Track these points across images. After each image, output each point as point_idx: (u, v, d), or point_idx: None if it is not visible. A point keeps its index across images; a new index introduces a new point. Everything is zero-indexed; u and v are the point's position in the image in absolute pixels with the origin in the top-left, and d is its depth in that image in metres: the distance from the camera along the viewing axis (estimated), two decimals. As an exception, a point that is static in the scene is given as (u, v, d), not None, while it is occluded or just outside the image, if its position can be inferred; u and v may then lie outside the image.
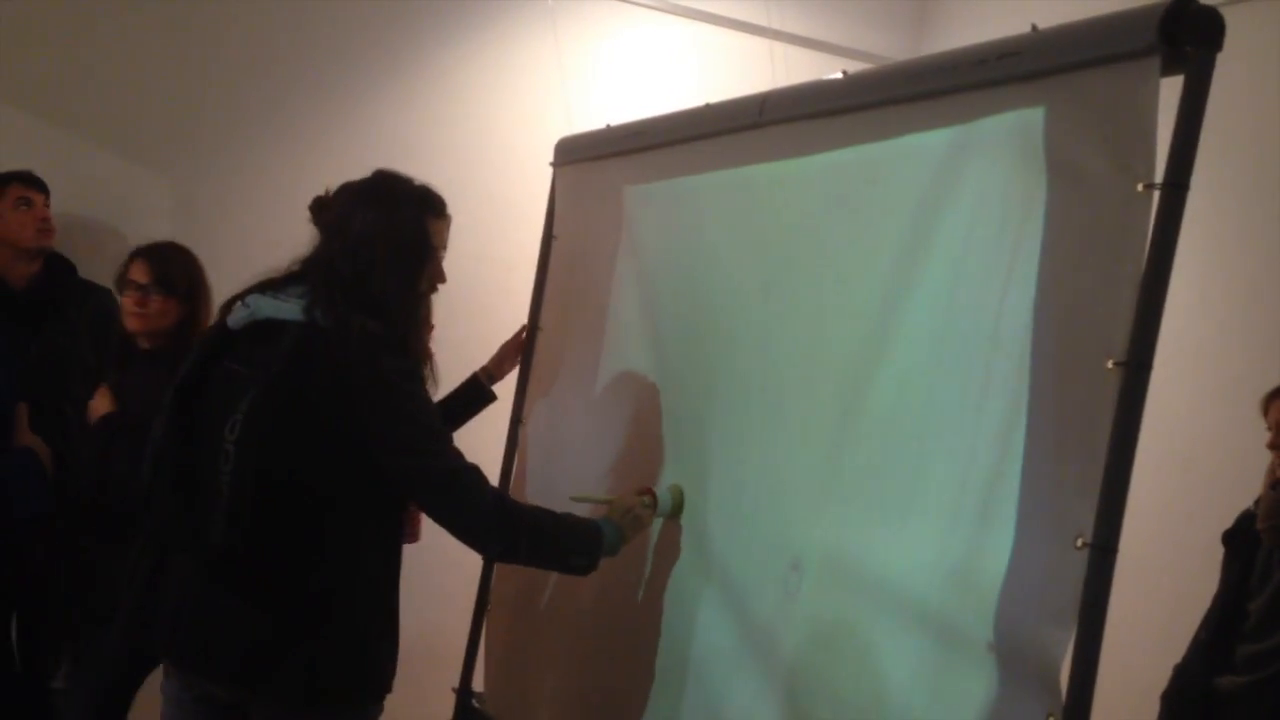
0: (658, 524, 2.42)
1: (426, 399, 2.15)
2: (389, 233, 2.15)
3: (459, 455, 2.12)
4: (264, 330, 2.11)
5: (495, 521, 2.10)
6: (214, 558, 2.07)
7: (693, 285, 2.46)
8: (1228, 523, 2.88)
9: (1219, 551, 2.90)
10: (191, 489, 2.11)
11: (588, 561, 2.21)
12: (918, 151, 1.89)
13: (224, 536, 2.05)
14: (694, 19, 4.35)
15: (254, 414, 2.06)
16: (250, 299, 2.15)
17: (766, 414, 2.20)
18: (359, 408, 2.02)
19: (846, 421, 1.99)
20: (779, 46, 4.24)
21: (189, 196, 3.74)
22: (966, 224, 1.78)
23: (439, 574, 3.43)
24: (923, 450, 1.82)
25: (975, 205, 1.77)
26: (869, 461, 1.94)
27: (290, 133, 3.83)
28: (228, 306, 2.20)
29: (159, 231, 3.71)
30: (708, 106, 2.49)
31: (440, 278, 2.28)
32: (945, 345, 1.80)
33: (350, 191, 2.22)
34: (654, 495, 2.36)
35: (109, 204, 3.68)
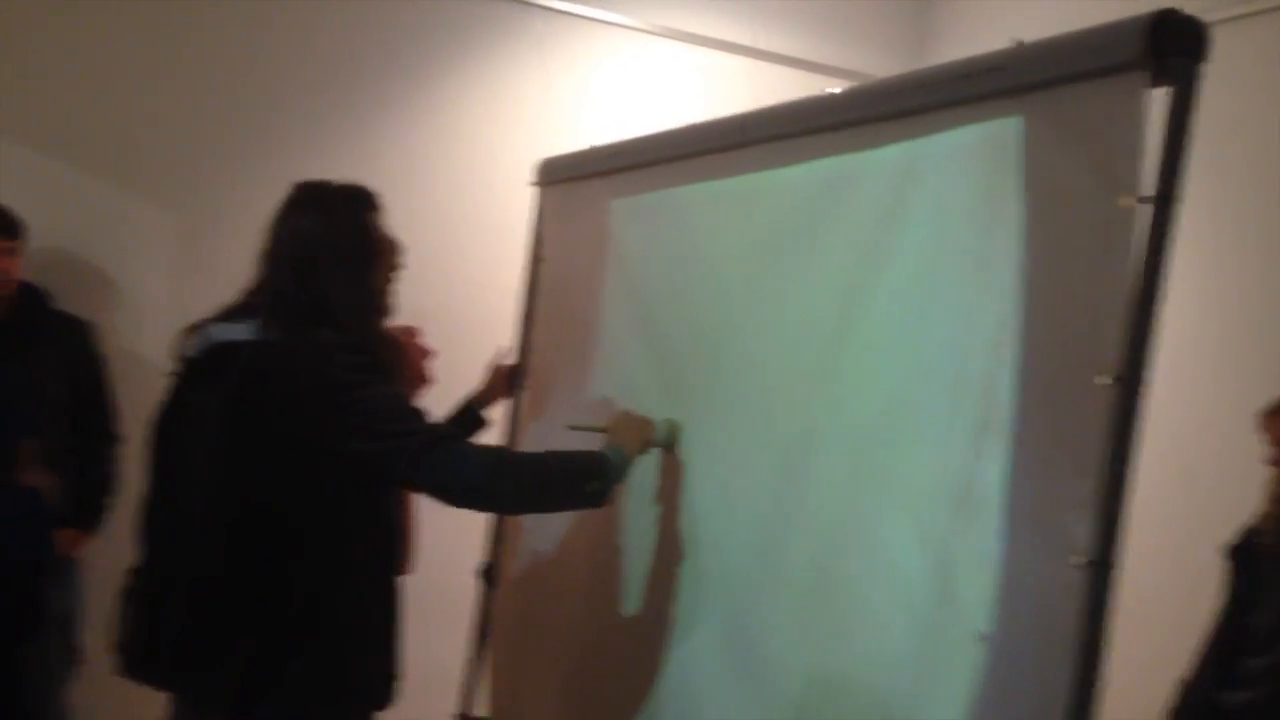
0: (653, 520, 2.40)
1: (389, 385, 2.09)
2: (329, 240, 2.13)
3: (434, 425, 2.08)
4: (222, 354, 2.09)
5: (491, 471, 2.05)
6: (199, 586, 2.07)
7: (681, 297, 2.46)
8: (1229, 536, 2.87)
9: (1222, 566, 2.88)
10: (174, 520, 2.10)
11: (601, 485, 2.14)
12: (891, 161, 1.89)
13: (205, 564, 2.05)
14: (680, 40, 4.37)
15: (217, 441, 2.06)
16: (206, 327, 2.15)
17: (758, 424, 2.19)
18: (320, 417, 2.00)
19: (827, 423, 2.00)
20: (769, 68, 4.26)
21: (190, 228, 3.75)
22: (937, 231, 1.78)
23: (436, 602, 3.42)
24: (899, 453, 1.82)
25: (945, 213, 1.77)
26: (850, 462, 1.93)
27: (289, 162, 3.81)
28: (184, 336, 2.19)
29: (161, 264, 3.74)
30: (691, 126, 2.49)
31: (395, 266, 2.25)
32: (916, 349, 1.81)
33: (280, 211, 2.20)
34: (649, 422, 2.33)
35: (109, 237, 3.69)
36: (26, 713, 2.45)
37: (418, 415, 2.08)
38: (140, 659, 2.15)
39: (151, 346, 3.64)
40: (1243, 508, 2.88)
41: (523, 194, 3.18)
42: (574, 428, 2.35)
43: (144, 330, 3.69)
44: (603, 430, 2.29)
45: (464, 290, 3.92)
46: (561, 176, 3.02)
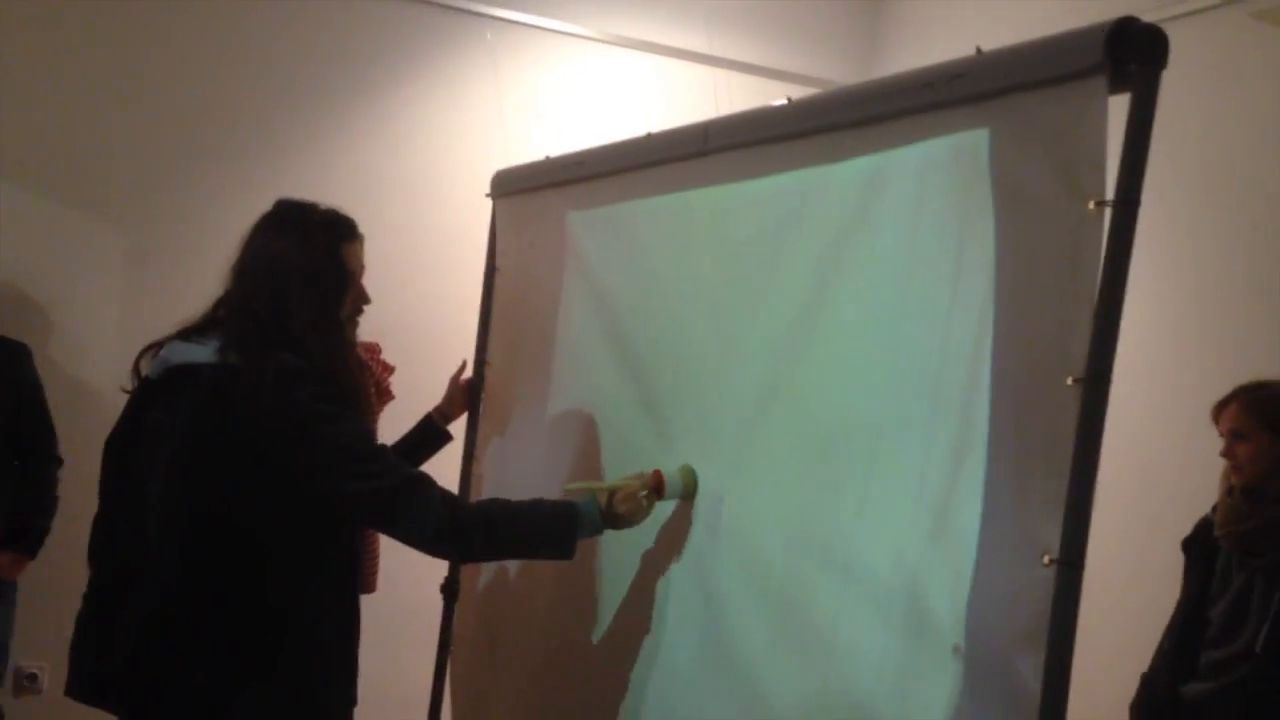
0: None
1: (354, 421, 2.08)
2: (301, 263, 2.11)
3: (397, 468, 2.06)
4: (180, 375, 2.06)
5: (446, 529, 2.03)
6: (154, 612, 2.03)
7: (640, 308, 2.46)
8: (1188, 530, 2.91)
9: (1181, 559, 2.92)
10: (129, 543, 2.07)
11: (557, 550, 2.14)
12: (860, 173, 1.90)
13: (160, 590, 2.02)
14: (634, 49, 4.37)
15: (175, 463, 2.03)
16: (166, 346, 2.12)
17: (721, 431, 2.19)
18: (284, 444, 1.98)
19: (798, 436, 2.00)
20: (724, 74, 4.27)
21: (139, 246, 3.71)
22: (908, 243, 1.79)
23: (399, 620, 3.41)
24: (873, 465, 1.83)
25: (916, 225, 1.78)
26: (823, 473, 1.94)
27: (239, 178, 3.80)
28: (143, 355, 2.16)
29: (111, 284, 3.69)
30: (649, 136, 2.48)
31: (364, 299, 2.24)
32: (891, 361, 1.81)
33: (257, 226, 2.17)
34: (662, 478, 2.22)
35: (53, 258, 3.64)
36: None
37: (382, 457, 2.07)
38: (91, 681, 2.12)
39: (98, 369, 3.60)
40: (1199, 502, 2.92)
41: (480, 206, 3.17)
42: (572, 489, 2.27)
43: (90, 352, 3.65)
44: (607, 489, 2.20)
45: (423, 304, 3.91)
46: (517, 188, 3.01)
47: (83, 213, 3.65)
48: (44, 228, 3.63)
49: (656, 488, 2.21)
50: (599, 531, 2.17)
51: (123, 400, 2.19)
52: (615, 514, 2.17)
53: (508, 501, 2.15)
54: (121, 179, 3.71)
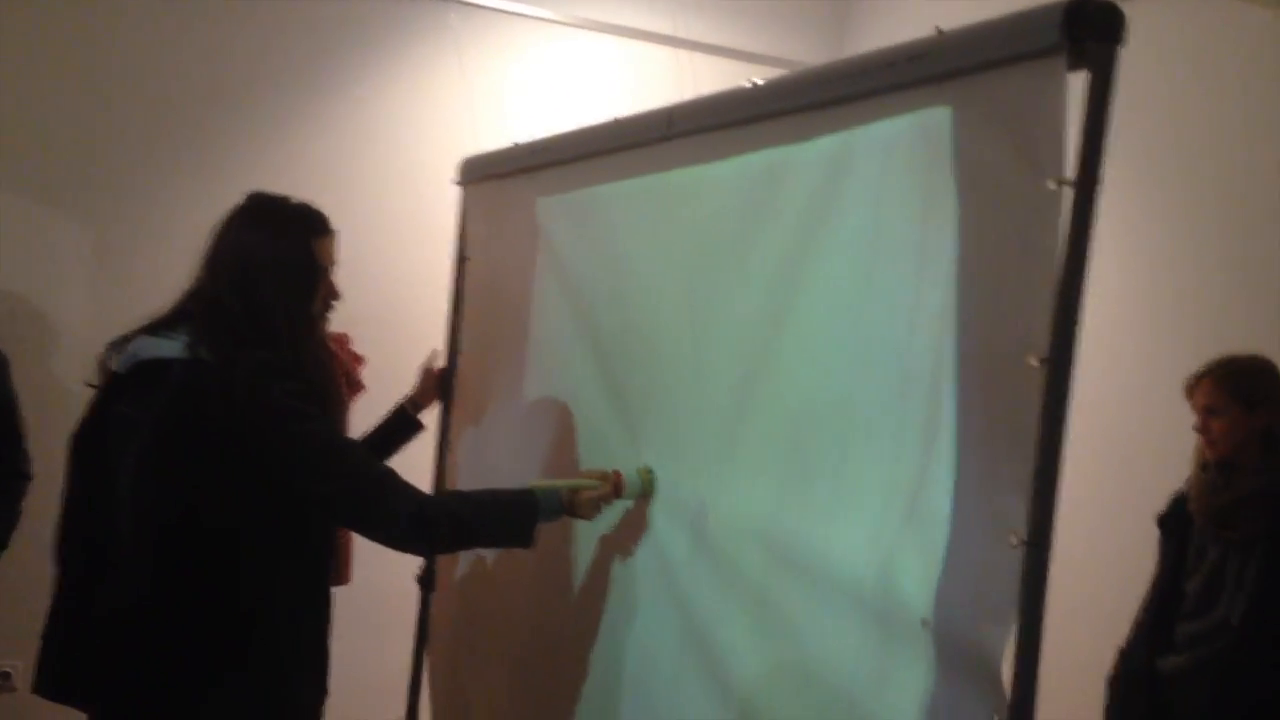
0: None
1: (324, 418, 2.07)
2: (273, 257, 2.10)
3: (367, 466, 2.06)
4: (149, 371, 2.04)
5: (414, 526, 2.04)
6: (124, 608, 2.02)
7: (613, 294, 2.45)
8: (1163, 506, 2.92)
9: (1156, 535, 2.93)
10: (97, 540, 2.06)
11: (519, 539, 2.18)
12: (825, 153, 1.89)
13: (130, 586, 2.00)
14: (601, 31, 4.35)
15: (144, 459, 2.01)
16: (133, 341, 2.10)
17: (694, 416, 2.19)
18: (257, 441, 1.97)
19: (771, 421, 1.99)
20: (691, 56, 4.26)
21: (105, 239, 3.67)
22: (873, 223, 1.78)
23: (377, 608, 3.41)
24: (846, 447, 1.82)
25: (881, 204, 1.77)
26: (796, 458, 1.94)
27: (206, 168, 3.77)
28: (110, 350, 2.14)
29: (78, 278, 3.65)
30: (615, 121, 2.47)
31: (334, 295, 2.23)
32: (860, 342, 1.80)
33: (229, 219, 2.16)
34: (620, 477, 2.28)
35: (21, 256, 3.60)
36: None
37: (352, 454, 2.07)
38: (60, 678, 2.10)
39: (68, 365, 3.57)
40: (1173, 478, 2.93)
41: (448, 193, 3.15)
42: (536, 486, 2.28)
43: (60, 349, 3.61)
44: (570, 488, 2.24)
45: (393, 293, 3.89)
46: (484, 175, 2.99)
47: (50, 208, 3.62)
48: (10, 224, 3.59)
49: (616, 488, 2.27)
50: (557, 517, 2.21)
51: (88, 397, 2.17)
52: (574, 511, 2.23)
53: (469, 493, 2.19)
54: (89, 173, 3.67)
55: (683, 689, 2.16)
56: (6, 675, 3.71)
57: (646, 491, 2.30)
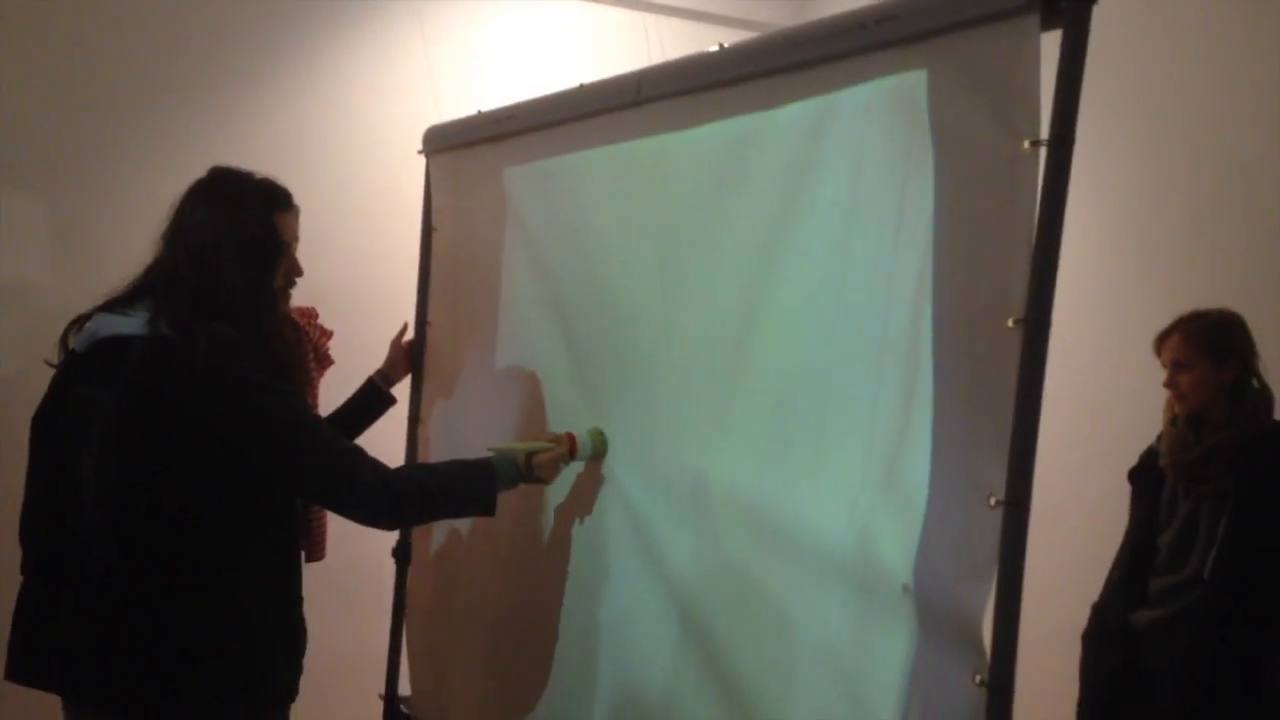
0: (567, 483, 2.41)
1: (290, 394, 2.07)
2: (234, 233, 2.07)
3: (333, 441, 2.07)
4: (110, 348, 2.02)
5: (382, 501, 2.07)
6: (94, 589, 2.00)
7: (584, 264, 2.43)
8: (1134, 461, 2.94)
9: (1129, 491, 2.96)
10: (61, 521, 2.04)
11: (482, 508, 2.22)
12: (800, 118, 1.88)
13: (99, 567, 1.99)
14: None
15: (107, 438, 1.99)
16: (93, 318, 2.07)
17: (670, 386, 2.18)
18: (220, 417, 1.96)
19: (748, 388, 1.99)
20: (657, 20, 4.22)
21: (65, 216, 3.61)
22: (850, 188, 1.78)
23: (355, 584, 3.39)
24: (823, 413, 1.83)
25: (859, 169, 1.77)
26: (774, 425, 1.94)
27: (167, 142, 3.71)
28: (70, 328, 2.11)
29: (37, 256, 3.59)
30: (582, 87, 2.44)
31: (296, 271, 2.22)
32: (838, 308, 1.80)
33: (189, 194, 2.13)
34: (573, 439, 2.34)
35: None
36: None
37: (319, 430, 2.07)
38: (32, 663, 2.09)
39: (28, 346, 3.50)
40: (1146, 434, 2.95)
41: (414, 164, 3.11)
42: (494, 450, 2.32)
43: (19, 329, 3.55)
44: (524, 450, 2.29)
45: (361, 265, 3.84)
46: (450, 144, 2.96)
47: (6, 186, 3.55)
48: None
49: (571, 449, 2.32)
50: (514, 485, 2.25)
51: (50, 377, 2.14)
52: (532, 474, 2.27)
53: (432, 465, 2.20)
54: (46, 150, 3.60)
55: (661, 653, 2.16)
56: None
57: (599, 452, 2.36)
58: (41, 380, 2.14)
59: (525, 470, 2.25)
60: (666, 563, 2.17)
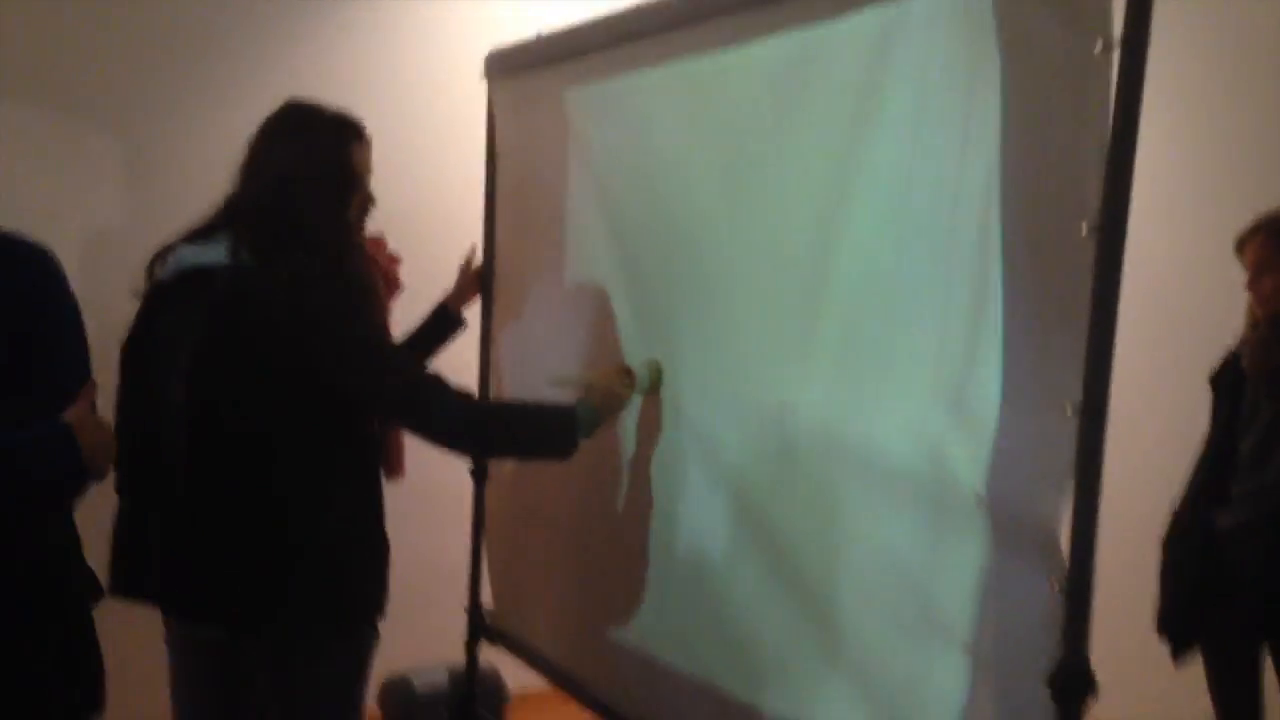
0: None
1: (370, 318, 2.12)
2: (310, 165, 2.11)
3: (415, 366, 2.12)
4: (194, 279, 2.07)
5: (463, 426, 2.10)
6: (184, 510, 2.08)
7: (648, 183, 2.42)
8: (1215, 366, 2.90)
9: (1209, 395, 2.92)
10: (151, 444, 2.09)
11: (563, 447, 2.21)
12: (862, 29, 1.84)
13: (187, 487, 2.05)
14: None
15: (195, 365, 2.04)
16: (176, 249, 2.12)
17: (734, 302, 2.18)
18: (302, 345, 2.00)
19: (815, 302, 1.98)
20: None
21: (137, 153, 3.65)
22: (916, 100, 1.74)
23: (435, 500, 3.45)
24: (893, 325, 1.81)
25: (923, 80, 1.73)
26: (842, 337, 1.93)
27: (232, 77, 3.74)
28: (155, 260, 2.16)
29: (110, 190, 3.65)
30: (641, 5, 2.41)
31: (370, 202, 2.24)
32: (905, 223, 1.78)
33: (265, 128, 2.16)
34: (632, 373, 2.36)
35: (53, 166, 3.59)
36: None
37: (398, 354, 2.12)
38: (129, 579, 2.16)
39: (105, 277, 3.57)
40: (1226, 337, 2.90)
41: (478, 90, 3.10)
42: (556, 381, 2.36)
43: (96, 261, 3.62)
44: (583, 384, 2.31)
45: (428, 192, 3.85)
46: (511, 68, 2.94)
47: (76, 118, 3.60)
48: (37, 136, 3.58)
49: (629, 380, 2.34)
50: (591, 431, 2.23)
51: (133, 307, 2.18)
52: (606, 411, 2.27)
53: (516, 402, 2.21)
54: (113, 82, 3.64)
55: (734, 570, 2.19)
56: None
57: (655, 385, 2.37)
58: (126, 314, 2.19)
59: (601, 411, 2.26)
60: (736, 482, 2.18)
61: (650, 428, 2.44)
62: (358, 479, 2.19)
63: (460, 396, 2.11)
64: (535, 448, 2.29)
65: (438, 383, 2.09)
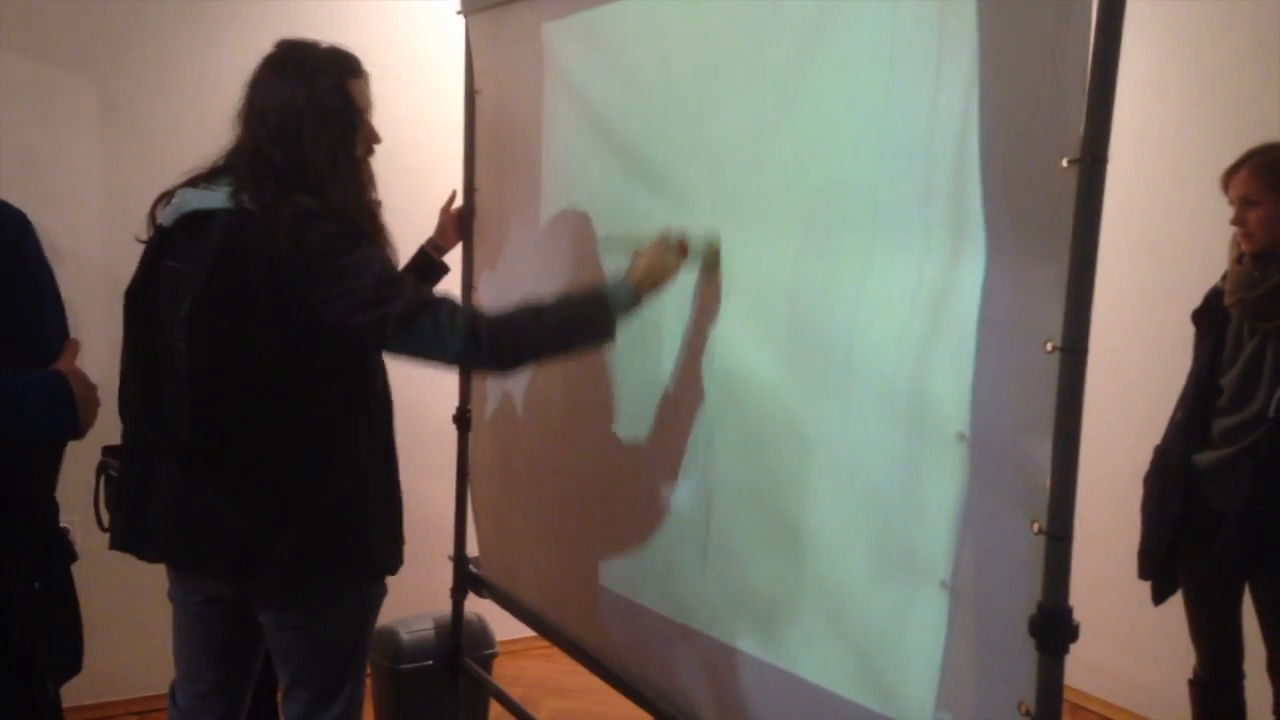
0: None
1: (372, 251, 2.04)
2: (310, 104, 2.07)
3: (419, 291, 2.02)
4: (195, 223, 2.05)
5: (473, 337, 1.98)
6: (188, 457, 2.06)
7: (625, 116, 2.39)
8: (1197, 302, 2.89)
9: (1192, 332, 2.91)
10: (155, 392, 2.07)
11: (601, 334, 2.07)
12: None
13: (192, 436, 2.03)
14: None
15: (197, 310, 2.01)
16: (177, 193, 2.10)
17: (711, 226, 2.15)
18: (304, 284, 1.97)
19: (796, 238, 1.95)
20: None
21: (111, 95, 3.60)
22: (890, 29, 1.71)
23: (423, 447, 3.44)
24: (872, 245, 1.79)
25: (898, 7, 1.70)
26: (819, 256, 1.90)
27: (206, 14, 3.67)
28: (157, 204, 2.14)
29: (85, 137, 3.59)
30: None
31: (374, 138, 2.21)
32: (880, 148, 1.75)
33: (261, 69, 2.13)
34: (685, 245, 2.14)
35: (26, 113, 3.53)
36: None
37: (399, 282, 2.01)
38: (133, 531, 2.16)
39: (83, 225, 3.54)
40: (1208, 273, 2.89)
41: (453, 25, 3.05)
42: (603, 246, 2.21)
43: (74, 208, 3.58)
44: (631, 248, 2.14)
45: (402, 132, 3.80)
46: (488, 3, 2.90)
47: (51, 64, 3.54)
48: (11, 85, 3.52)
49: (680, 249, 2.13)
50: (633, 303, 2.07)
51: (114, 254, 2.15)
52: (646, 284, 2.09)
53: (537, 302, 2.05)
54: (88, 31, 3.58)
55: (716, 513, 2.18)
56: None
57: (711, 263, 2.15)
58: (107, 261, 2.15)
59: (638, 287, 2.08)
60: (713, 422, 2.17)
61: (630, 366, 2.42)
62: (364, 424, 2.17)
63: (470, 309, 2.06)
64: (569, 343, 2.10)
65: (441, 305, 1.99)
